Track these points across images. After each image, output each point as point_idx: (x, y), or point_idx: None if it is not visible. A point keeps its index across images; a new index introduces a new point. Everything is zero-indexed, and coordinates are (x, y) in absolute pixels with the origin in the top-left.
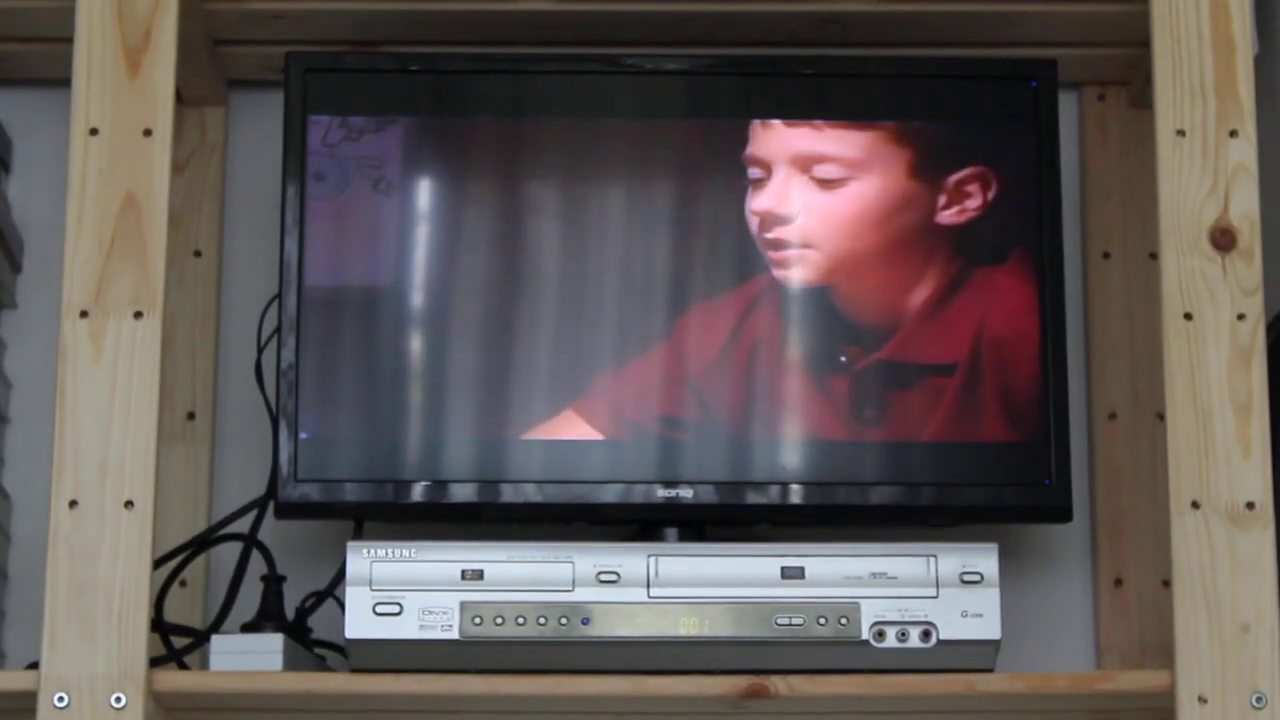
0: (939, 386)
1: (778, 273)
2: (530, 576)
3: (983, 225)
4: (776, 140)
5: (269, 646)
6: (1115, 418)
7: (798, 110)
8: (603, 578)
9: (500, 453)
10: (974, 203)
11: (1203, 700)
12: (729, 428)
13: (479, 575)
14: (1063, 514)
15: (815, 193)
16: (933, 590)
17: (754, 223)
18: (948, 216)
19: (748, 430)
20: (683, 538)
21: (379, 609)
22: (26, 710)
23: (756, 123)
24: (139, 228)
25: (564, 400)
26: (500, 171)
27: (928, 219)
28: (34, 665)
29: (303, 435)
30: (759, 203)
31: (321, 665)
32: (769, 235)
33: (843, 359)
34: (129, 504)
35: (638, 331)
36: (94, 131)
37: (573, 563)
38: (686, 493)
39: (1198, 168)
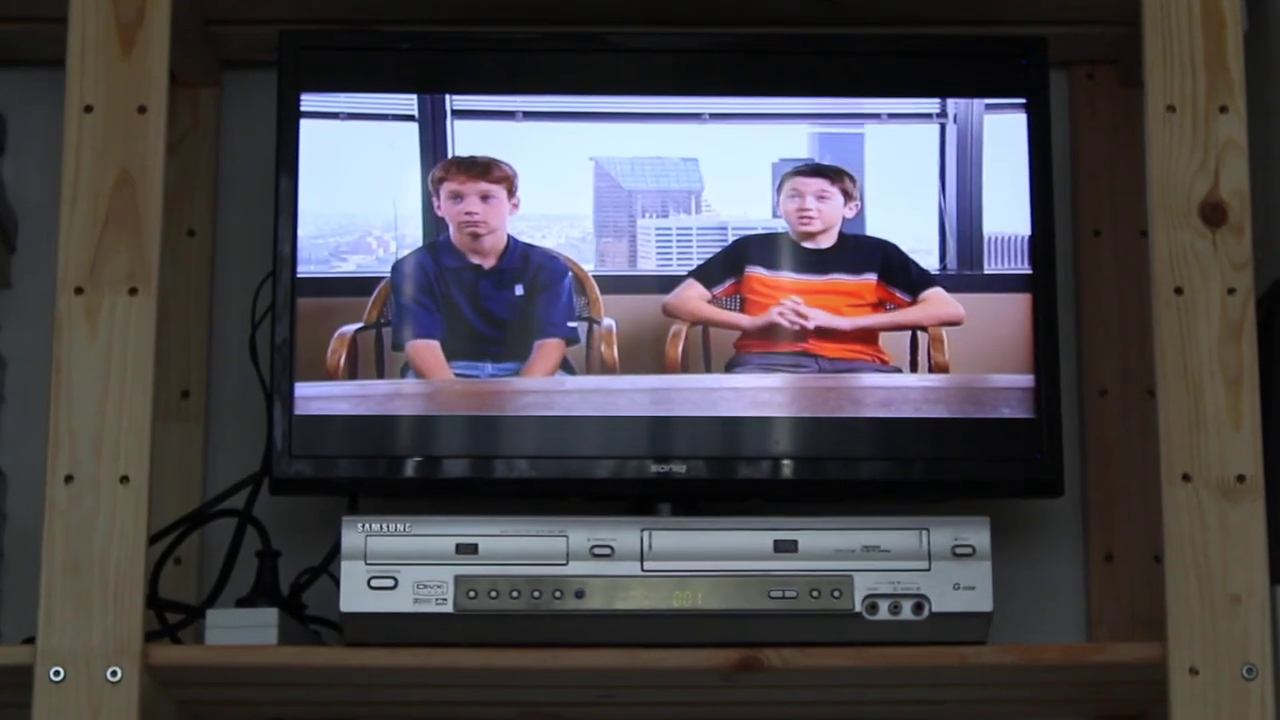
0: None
1: None
2: (524, 550)
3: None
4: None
5: (264, 621)
6: (1106, 394)
7: (790, 88)
8: (596, 551)
9: (494, 428)
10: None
11: (1194, 671)
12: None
13: (473, 549)
14: (1054, 488)
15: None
16: (925, 563)
17: None
18: None
19: (739, 406)
20: (676, 513)
21: (374, 583)
22: (23, 685)
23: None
24: (133, 204)
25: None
26: (493, 149)
27: None
28: (30, 640)
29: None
30: None
31: (316, 640)
32: None
33: None
34: (124, 479)
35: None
36: (88, 109)
37: (566, 536)
38: (679, 468)
39: (1188, 143)
